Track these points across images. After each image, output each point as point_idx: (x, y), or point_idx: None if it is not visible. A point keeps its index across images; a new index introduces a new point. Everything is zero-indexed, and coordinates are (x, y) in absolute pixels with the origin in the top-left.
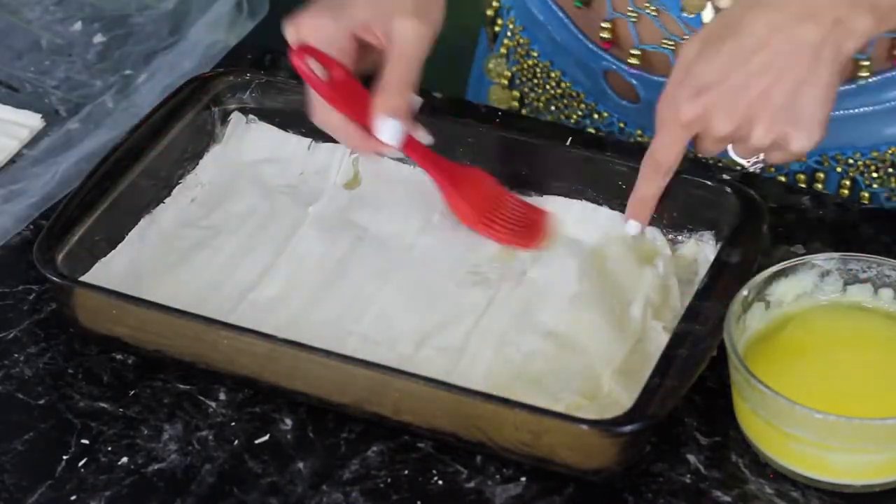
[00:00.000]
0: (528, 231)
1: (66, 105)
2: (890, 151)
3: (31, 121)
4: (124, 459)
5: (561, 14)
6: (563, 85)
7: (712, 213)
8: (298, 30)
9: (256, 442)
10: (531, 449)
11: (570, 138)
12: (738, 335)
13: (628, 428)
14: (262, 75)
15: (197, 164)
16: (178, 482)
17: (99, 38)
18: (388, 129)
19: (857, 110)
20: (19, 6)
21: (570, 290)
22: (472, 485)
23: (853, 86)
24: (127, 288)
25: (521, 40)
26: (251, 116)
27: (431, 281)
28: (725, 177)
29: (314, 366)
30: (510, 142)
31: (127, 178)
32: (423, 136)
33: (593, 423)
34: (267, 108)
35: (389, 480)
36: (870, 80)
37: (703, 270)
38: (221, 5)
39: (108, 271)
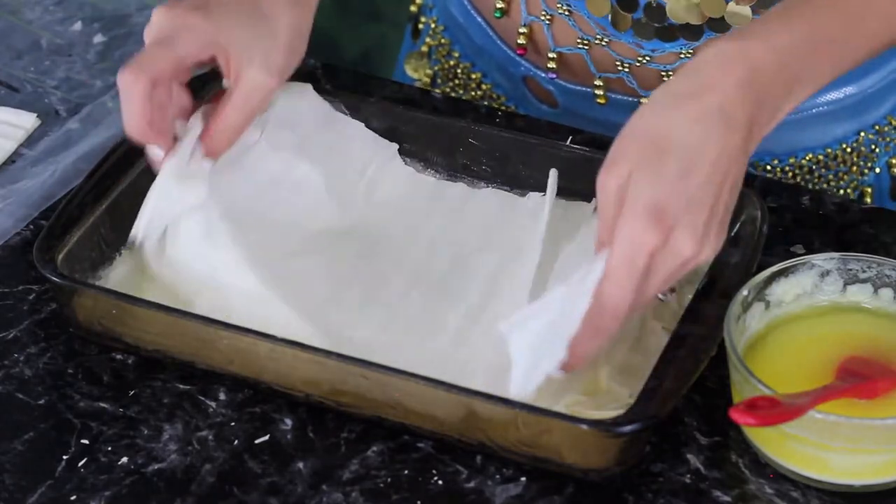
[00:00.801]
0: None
1: (65, 105)
2: (807, 158)
3: (27, 121)
4: (124, 459)
5: (480, 20)
6: (483, 87)
7: None
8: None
9: (256, 442)
10: (531, 449)
11: (571, 138)
12: (738, 335)
13: (628, 428)
14: None
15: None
16: (178, 482)
17: (99, 38)
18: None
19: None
20: (19, 6)
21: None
22: (472, 485)
23: None
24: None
25: (443, 40)
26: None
27: (428, 277)
28: None
29: (314, 366)
30: (510, 141)
31: (127, 178)
32: None
33: (593, 423)
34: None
35: (389, 480)
36: None
37: (702, 270)
38: None
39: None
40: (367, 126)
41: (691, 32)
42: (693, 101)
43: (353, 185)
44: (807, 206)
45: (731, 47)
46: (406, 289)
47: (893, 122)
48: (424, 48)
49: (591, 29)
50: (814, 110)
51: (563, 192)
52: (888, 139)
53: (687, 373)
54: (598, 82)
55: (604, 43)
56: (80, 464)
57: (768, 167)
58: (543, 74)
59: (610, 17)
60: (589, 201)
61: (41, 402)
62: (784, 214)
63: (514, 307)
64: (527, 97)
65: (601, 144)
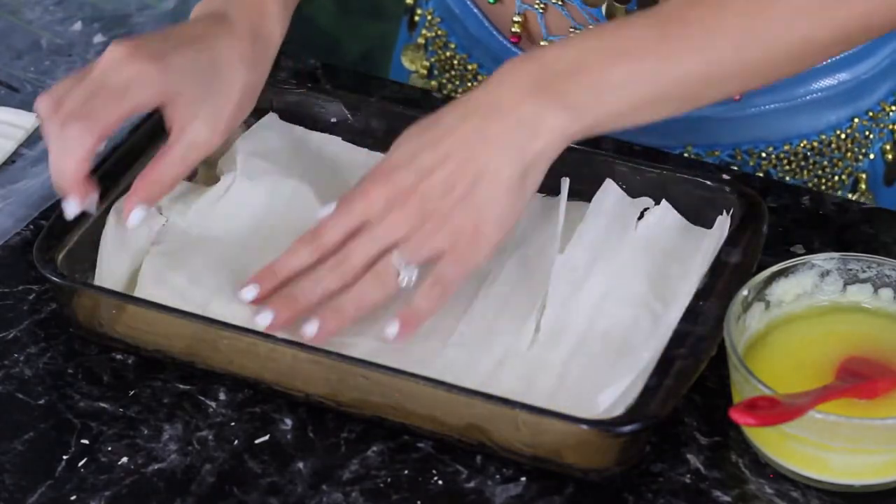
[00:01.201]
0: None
1: None
2: (802, 144)
3: (27, 121)
4: (124, 459)
5: (476, 10)
6: (480, 78)
7: (712, 212)
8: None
9: (256, 442)
10: (531, 449)
11: None
12: (738, 335)
13: (628, 428)
14: None
15: (196, 170)
16: (178, 482)
17: (99, 38)
18: (137, 217)
19: (768, 106)
20: (19, 6)
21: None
22: (472, 485)
23: (739, 100)
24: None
25: (439, 32)
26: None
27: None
28: (725, 176)
29: (314, 366)
30: None
31: (127, 178)
32: None
33: (593, 423)
34: (266, 108)
35: (389, 480)
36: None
37: (702, 270)
38: None
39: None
40: (368, 126)
41: None
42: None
43: (344, 189)
44: (807, 206)
45: (520, 57)
46: (407, 292)
47: (887, 109)
48: (421, 40)
49: (583, 19)
50: (807, 97)
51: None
52: (882, 125)
53: (687, 373)
54: None
55: None
56: (80, 464)
57: (763, 154)
58: None
59: (604, 9)
60: (588, 201)
61: (41, 402)
62: (784, 214)
63: (520, 315)
64: None
65: (601, 145)
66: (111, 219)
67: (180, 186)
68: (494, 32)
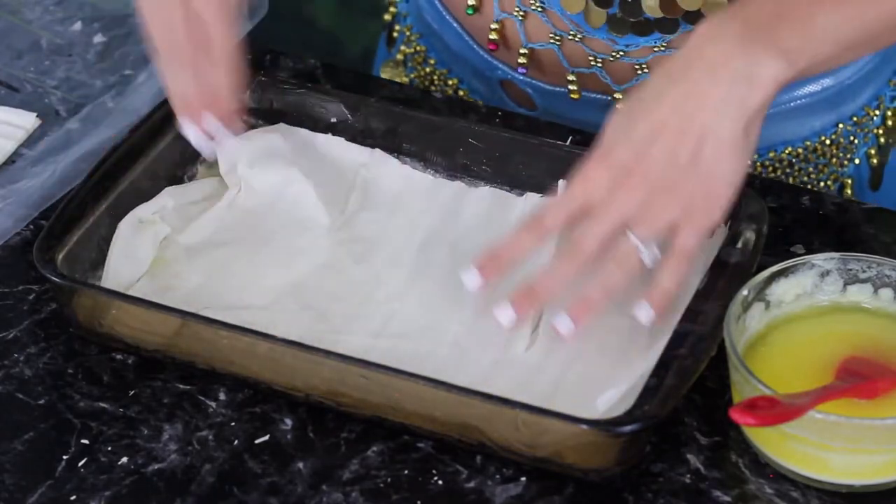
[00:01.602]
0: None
1: (66, 105)
2: (787, 151)
3: (27, 121)
4: (124, 459)
5: (455, 24)
6: (460, 92)
7: None
8: None
9: (256, 442)
10: (531, 449)
11: (571, 138)
12: (738, 335)
13: (628, 428)
14: (263, 75)
15: (196, 171)
16: (178, 482)
17: (99, 38)
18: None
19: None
20: (19, 6)
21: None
22: (472, 485)
23: None
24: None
25: (418, 48)
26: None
27: (425, 279)
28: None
29: (314, 366)
30: (510, 141)
31: (127, 178)
32: None
33: (593, 423)
34: (267, 108)
35: (389, 480)
36: None
37: (702, 270)
38: None
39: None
40: (367, 126)
41: (667, 26)
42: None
43: (346, 189)
44: (807, 206)
45: (716, 17)
46: (403, 291)
47: (871, 113)
48: (400, 56)
49: (564, 25)
50: (792, 103)
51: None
52: (866, 130)
53: (687, 373)
54: (570, 77)
55: (577, 39)
56: (80, 464)
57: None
58: (520, 77)
59: (584, 14)
60: None
61: (41, 402)
62: (784, 214)
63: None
64: (504, 101)
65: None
66: (122, 229)
67: (185, 195)
68: (474, 46)
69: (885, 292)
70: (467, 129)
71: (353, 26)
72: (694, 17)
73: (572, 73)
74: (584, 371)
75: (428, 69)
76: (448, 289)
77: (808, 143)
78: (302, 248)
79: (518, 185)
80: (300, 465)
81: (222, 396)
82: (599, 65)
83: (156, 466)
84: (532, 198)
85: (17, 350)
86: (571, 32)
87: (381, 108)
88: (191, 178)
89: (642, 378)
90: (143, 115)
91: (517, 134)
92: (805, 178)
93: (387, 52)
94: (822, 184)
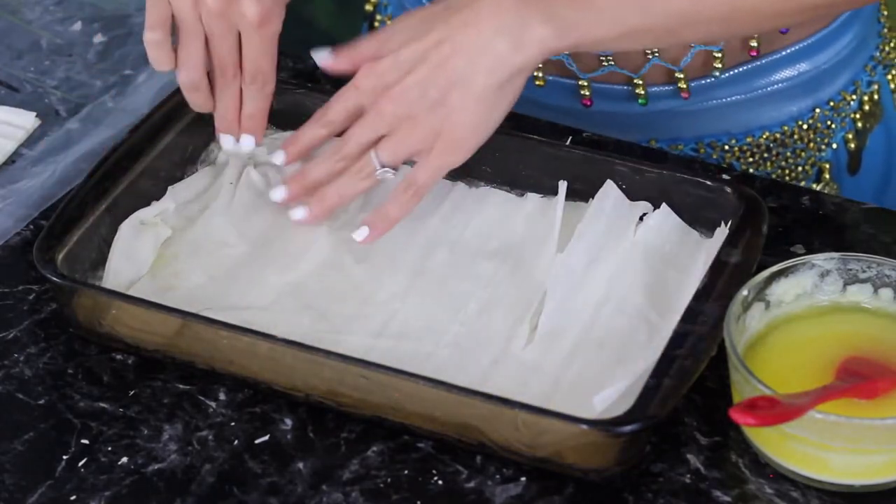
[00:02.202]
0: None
1: (65, 105)
2: (764, 136)
3: (27, 121)
4: (124, 459)
5: None
6: None
7: (712, 212)
8: None
9: (256, 442)
10: (531, 449)
11: (570, 138)
12: (738, 335)
13: (628, 428)
14: None
15: (197, 170)
16: (178, 482)
17: (99, 38)
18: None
19: (729, 98)
20: (19, 6)
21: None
22: (472, 485)
23: (725, 75)
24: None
25: None
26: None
27: (426, 280)
28: (725, 177)
29: (314, 366)
30: (510, 141)
31: (127, 178)
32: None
33: (593, 423)
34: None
35: (389, 480)
36: (739, 69)
37: (702, 270)
38: None
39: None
40: None
41: None
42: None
43: None
44: (807, 206)
45: None
46: (403, 291)
47: (848, 98)
48: None
49: None
50: (769, 88)
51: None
52: (843, 115)
53: (687, 373)
54: (537, 71)
55: None
56: (80, 464)
57: (726, 147)
58: None
59: None
60: (587, 201)
61: (41, 402)
62: (784, 214)
63: (515, 316)
64: None
65: (601, 145)
66: (123, 231)
67: (187, 190)
68: None
69: (885, 292)
70: None
71: (352, 28)
72: None
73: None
74: (583, 370)
75: None
76: (448, 289)
77: (786, 128)
78: (303, 248)
79: (518, 185)
80: (300, 465)
81: (222, 396)
82: (566, 53)
83: (156, 466)
84: (532, 198)
85: (17, 350)
86: None
87: None
88: (190, 179)
89: (642, 378)
90: (143, 115)
91: (517, 134)
92: (783, 164)
93: None
94: (799, 168)
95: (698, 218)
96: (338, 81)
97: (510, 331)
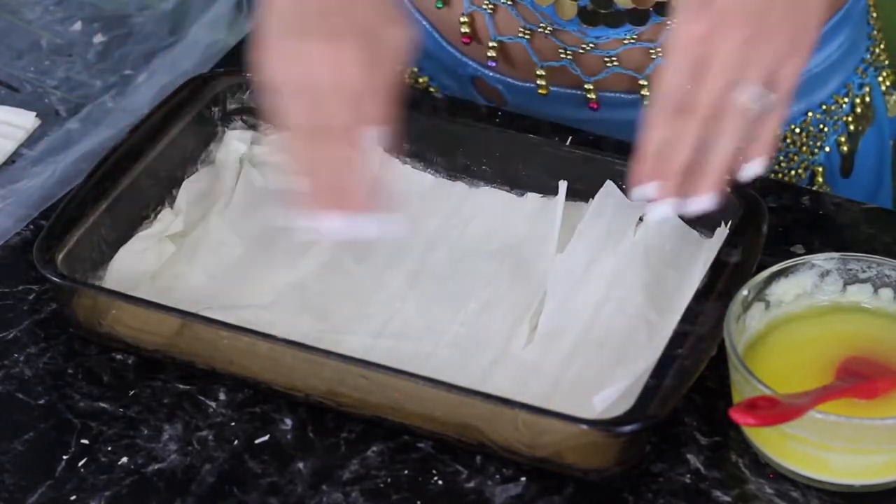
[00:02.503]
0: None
1: (65, 105)
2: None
3: (27, 121)
4: (124, 459)
5: (424, 21)
6: (431, 90)
7: (712, 212)
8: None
9: (256, 442)
10: (531, 449)
11: (570, 138)
12: (738, 335)
13: (628, 428)
14: None
15: (197, 170)
16: (178, 482)
17: (99, 38)
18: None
19: None
20: (19, 6)
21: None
22: (472, 485)
23: None
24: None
25: None
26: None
27: (426, 280)
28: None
29: (314, 366)
30: (510, 141)
31: (127, 178)
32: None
33: (593, 423)
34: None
35: (389, 480)
36: None
37: (702, 270)
38: (221, 5)
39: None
40: None
41: (637, 17)
42: None
43: None
44: (807, 206)
45: None
46: (403, 291)
47: (840, 101)
48: None
49: (534, 17)
50: None
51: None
52: (835, 118)
53: (687, 373)
54: (540, 72)
55: (547, 31)
56: (80, 464)
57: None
58: (491, 73)
59: (554, 6)
60: (587, 201)
61: (41, 402)
62: (784, 214)
63: (515, 316)
64: (475, 97)
65: (601, 145)
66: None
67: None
68: (444, 44)
69: (885, 292)
70: (467, 130)
71: None
72: (664, 9)
73: (542, 66)
74: (582, 370)
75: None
76: (448, 289)
77: (778, 131)
78: (303, 247)
79: (518, 185)
80: (300, 465)
81: (222, 396)
82: (569, 57)
83: (156, 466)
84: (532, 198)
85: (17, 350)
86: (542, 25)
87: None
88: (190, 179)
89: (642, 378)
90: (143, 115)
91: (517, 134)
92: (776, 167)
93: None
94: (792, 172)
95: (698, 218)
96: None
97: (510, 331)
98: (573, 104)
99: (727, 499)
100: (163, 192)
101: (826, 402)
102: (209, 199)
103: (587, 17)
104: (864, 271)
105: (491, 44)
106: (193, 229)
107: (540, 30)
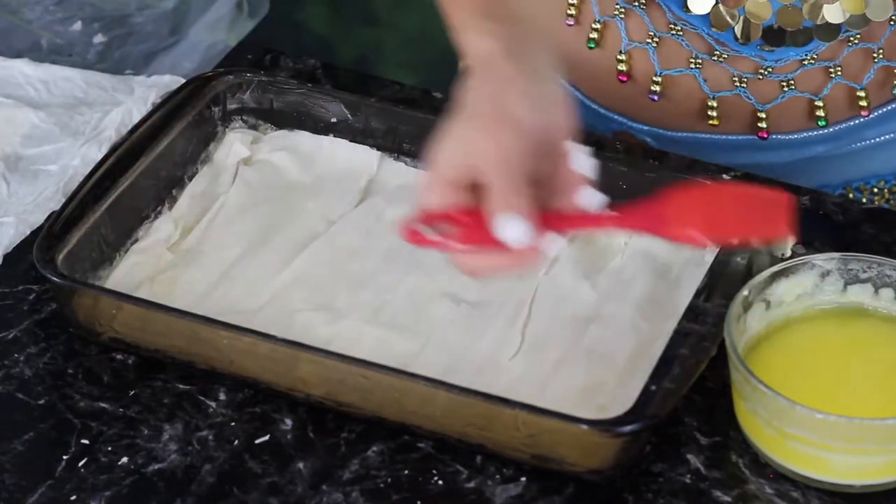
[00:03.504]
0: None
1: None
2: (881, 184)
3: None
4: (124, 459)
5: (572, 88)
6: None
7: None
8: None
9: (256, 442)
10: (530, 449)
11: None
12: (738, 335)
13: (627, 428)
14: (263, 75)
15: (197, 170)
16: (178, 482)
17: (99, 38)
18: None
19: (877, 139)
20: (19, 6)
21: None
22: (472, 485)
23: (874, 114)
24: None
25: None
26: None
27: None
28: (725, 177)
29: (314, 366)
30: None
31: (127, 178)
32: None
33: (592, 423)
34: (267, 108)
35: (389, 480)
36: (885, 109)
37: (702, 270)
38: (221, 5)
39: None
40: (367, 125)
41: (828, 33)
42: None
43: (345, 188)
44: (807, 206)
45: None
46: (407, 291)
47: None
48: None
49: (706, 46)
50: (879, 138)
51: None
52: None
53: (686, 373)
54: (711, 103)
55: (721, 59)
56: (80, 464)
57: (875, 189)
58: (638, 125)
59: (733, 30)
60: None
61: (41, 402)
62: None
63: (504, 323)
64: None
65: (601, 144)
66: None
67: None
68: (588, 102)
69: (886, 292)
70: None
71: (346, 33)
72: (857, 22)
73: (713, 98)
74: (568, 382)
75: None
76: (444, 287)
77: None
78: (299, 246)
79: None
80: (300, 465)
81: (222, 396)
82: (744, 85)
83: (156, 466)
84: None
85: (17, 350)
86: (716, 53)
87: (381, 108)
88: (191, 178)
89: (641, 378)
90: (143, 115)
91: None
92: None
93: None
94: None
95: None
96: (338, 82)
97: (499, 338)
98: (726, 150)
99: (727, 499)
100: (163, 192)
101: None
102: (208, 198)
103: (772, 37)
104: (864, 271)
105: (655, 78)
106: (192, 229)
107: (714, 59)
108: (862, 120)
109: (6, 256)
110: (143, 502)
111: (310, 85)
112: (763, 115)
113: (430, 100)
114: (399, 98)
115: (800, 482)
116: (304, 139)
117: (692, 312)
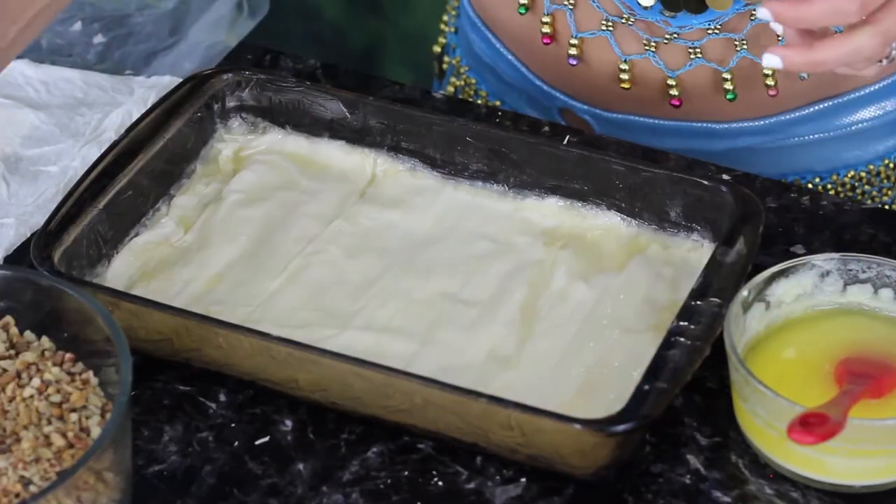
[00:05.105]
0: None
1: None
2: (849, 175)
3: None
4: None
5: (509, 54)
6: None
7: (710, 212)
8: None
9: (257, 443)
10: (526, 449)
11: (568, 137)
12: (738, 335)
13: (620, 428)
14: (262, 73)
15: (195, 168)
16: (179, 483)
17: (99, 39)
18: None
19: (812, 137)
20: None
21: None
22: (472, 486)
23: (806, 112)
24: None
25: (469, 80)
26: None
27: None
28: (725, 177)
29: (314, 366)
30: (510, 141)
31: (125, 177)
32: None
33: (585, 423)
34: (266, 105)
35: (389, 481)
36: (821, 106)
37: (697, 270)
38: (221, 5)
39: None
40: (367, 125)
41: (718, 2)
42: None
43: (344, 188)
44: (807, 206)
45: None
46: (405, 292)
47: None
48: (451, 88)
49: (616, 9)
50: (852, 127)
51: (561, 192)
52: None
53: (680, 373)
54: (623, 66)
55: (630, 22)
56: None
57: (809, 185)
58: (579, 105)
59: None
60: (588, 201)
61: None
62: (784, 214)
63: (500, 328)
64: None
65: (601, 144)
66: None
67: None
68: (530, 76)
69: (885, 292)
70: (466, 129)
71: (358, 21)
72: None
73: (624, 61)
74: (563, 388)
75: (479, 101)
76: (441, 287)
77: (871, 166)
78: (298, 245)
79: (516, 184)
80: (300, 466)
81: (222, 398)
82: (653, 49)
83: (156, 467)
84: (530, 198)
85: None
86: (624, 16)
87: (380, 107)
88: (189, 177)
89: (636, 378)
90: (143, 113)
91: (516, 133)
92: (868, 201)
93: (437, 84)
94: (886, 207)
95: (696, 218)
96: (338, 81)
97: (497, 333)
98: (660, 134)
99: (727, 499)
100: (161, 191)
101: (853, 407)
102: (206, 197)
103: (668, 2)
104: (864, 272)
105: (572, 41)
106: (190, 228)
107: (622, 21)
108: (793, 116)
109: (7, 258)
110: (142, 503)
111: (308, 83)
112: (673, 83)
113: (429, 99)
114: (399, 98)
115: (799, 482)
116: (303, 139)
117: (686, 312)
